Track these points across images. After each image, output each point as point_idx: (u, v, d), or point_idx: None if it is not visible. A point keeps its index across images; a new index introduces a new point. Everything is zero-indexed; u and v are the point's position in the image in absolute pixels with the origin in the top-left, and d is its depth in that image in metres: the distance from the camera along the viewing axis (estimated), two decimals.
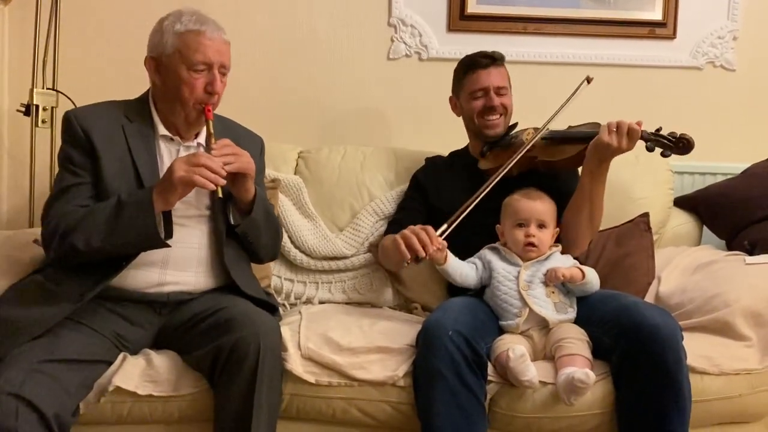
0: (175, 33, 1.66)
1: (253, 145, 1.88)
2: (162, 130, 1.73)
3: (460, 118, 2.10)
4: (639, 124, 1.76)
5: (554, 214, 1.83)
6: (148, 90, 1.78)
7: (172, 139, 1.74)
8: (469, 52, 2.10)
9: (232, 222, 1.72)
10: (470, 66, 2.01)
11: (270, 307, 1.79)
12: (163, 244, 1.59)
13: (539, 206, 1.79)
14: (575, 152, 1.86)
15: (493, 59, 2.00)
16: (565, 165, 1.91)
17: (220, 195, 1.59)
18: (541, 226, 1.78)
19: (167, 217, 1.62)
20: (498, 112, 1.99)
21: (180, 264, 1.70)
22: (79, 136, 1.66)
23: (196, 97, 1.66)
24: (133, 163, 1.67)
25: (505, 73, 2.03)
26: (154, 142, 1.72)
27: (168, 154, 1.73)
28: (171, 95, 1.68)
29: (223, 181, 1.57)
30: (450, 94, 2.11)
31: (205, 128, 1.72)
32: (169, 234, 1.62)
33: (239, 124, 1.91)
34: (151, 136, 1.72)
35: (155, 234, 1.56)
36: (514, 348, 1.57)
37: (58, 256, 1.62)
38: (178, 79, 1.65)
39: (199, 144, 1.77)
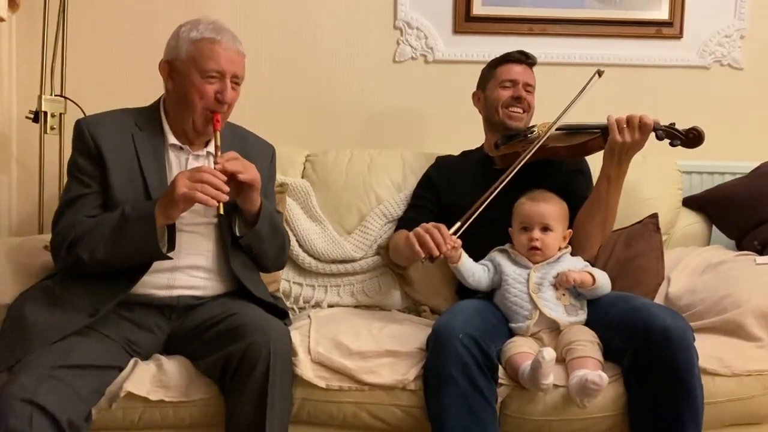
0: (190, 40, 1.68)
1: (264, 153, 1.89)
2: (171, 138, 1.73)
3: (470, 120, 2.10)
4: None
5: (563, 216, 1.82)
6: (160, 98, 1.78)
7: (181, 148, 1.74)
8: (475, 54, 2.11)
9: (237, 233, 1.72)
10: (505, 59, 2.08)
11: (280, 311, 1.79)
12: (164, 257, 1.61)
13: (543, 209, 1.79)
14: (581, 141, 1.87)
15: (528, 58, 2.07)
16: (570, 152, 1.91)
17: (221, 212, 1.59)
18: (546, 229, 1.78)
19: (171, 228, 1.63)
20: (523, 106, 2.03)
21: (189, 270, 1.71)
22: (88, 144, 1.67)
23: (205, 104, 1.67)
24: (141, 172, 1.68)
25: (533, 76, 2.09)
26: (163, 151, 1.73)
27: (177, 163, 1.73)
28: (181, 100, 1.69)
29: (225, 197, 1.57)
30: (450, 95, 2.12)
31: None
32: (172, 246, 1.63)
33: (251, 133, 1.92)
34: (161, 144, 1.73)
35: (156, 248, 1.57)
36: (547, 350, 1.52)
37: (65, 266, 1.64)
38: (190, 84, 1.66)
39: (208, 153, 1.76)
